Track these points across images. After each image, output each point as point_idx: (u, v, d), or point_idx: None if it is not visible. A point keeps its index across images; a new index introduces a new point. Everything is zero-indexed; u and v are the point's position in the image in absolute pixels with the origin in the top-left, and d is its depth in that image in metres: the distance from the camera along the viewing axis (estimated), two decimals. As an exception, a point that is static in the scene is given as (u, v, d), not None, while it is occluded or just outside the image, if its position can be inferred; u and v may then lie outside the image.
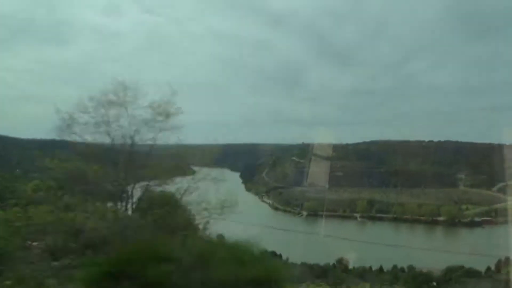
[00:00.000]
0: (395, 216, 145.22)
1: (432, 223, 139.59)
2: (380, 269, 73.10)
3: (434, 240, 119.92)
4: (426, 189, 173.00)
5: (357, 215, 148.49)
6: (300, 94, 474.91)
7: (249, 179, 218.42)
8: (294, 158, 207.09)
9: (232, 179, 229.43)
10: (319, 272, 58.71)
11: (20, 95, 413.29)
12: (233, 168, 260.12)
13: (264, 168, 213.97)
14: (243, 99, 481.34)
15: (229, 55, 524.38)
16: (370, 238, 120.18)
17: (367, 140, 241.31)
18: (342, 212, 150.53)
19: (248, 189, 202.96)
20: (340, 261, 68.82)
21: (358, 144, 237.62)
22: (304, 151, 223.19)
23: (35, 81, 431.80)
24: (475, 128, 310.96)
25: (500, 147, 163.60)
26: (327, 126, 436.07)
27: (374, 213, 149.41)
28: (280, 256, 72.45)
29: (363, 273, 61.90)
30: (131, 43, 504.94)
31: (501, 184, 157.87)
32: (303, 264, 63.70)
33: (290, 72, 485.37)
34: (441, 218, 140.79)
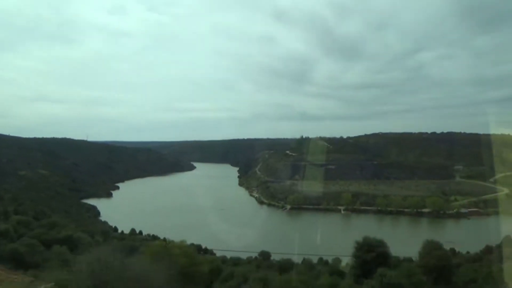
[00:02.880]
0: (379, 208, 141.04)
1: (416, 214, 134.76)
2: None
3: (410, 231, 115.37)
4: (419, 181, 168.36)
5: (341, 208, 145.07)
6: (306, 89, 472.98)
7: (244, 174, 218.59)
8: (287, 152, 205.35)
9: (230, 175, 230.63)
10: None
11: (30, 94, 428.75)
12: (235, 163, 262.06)
13: (259, 162, 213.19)
14: (250, 95, 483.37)
15: (235, 51, 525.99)
16: (343, 230, 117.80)
17: (369, 133, 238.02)
18: (326, 205, 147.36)
19: (241, 183, 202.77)
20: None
21: (358, 137, 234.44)
22: (301, 145, 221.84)
23: (44, 81, 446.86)
24: (481, 120, 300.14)
25: (502, 138, 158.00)
26: (333, 120, 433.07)
27: (359, 205, 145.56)
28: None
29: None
30: (137, 42, 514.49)
31: (499, 175, 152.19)
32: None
33: (296, 67, 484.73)
34: (426, 210, 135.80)
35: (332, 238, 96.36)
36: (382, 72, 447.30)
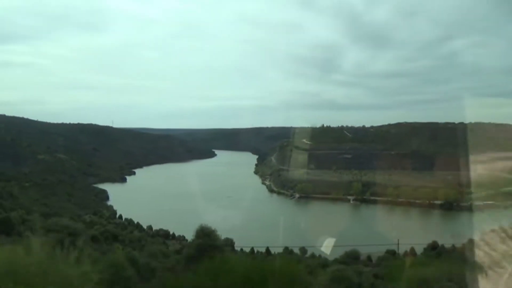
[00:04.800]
0: (389, 199, 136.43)
1: (427, 206, 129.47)
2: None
3: (417, 222, 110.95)
4: (438, 172, 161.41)
5: (350, 197, 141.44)
6: (333, 77, 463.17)
7: (261, 162, 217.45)
8: (304, 140, 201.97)
9: (248, 162, 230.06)
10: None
11: (61, 82, 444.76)
12: (256, 151, 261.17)
13: (276, 151, 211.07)
14: (276, 83, 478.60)
15: (261, 39, 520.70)
16: (348, 220, 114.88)
17: (393, 122, 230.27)
18: (335, 194, 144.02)
19: (256, 171, 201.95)
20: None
21: (380, 126, 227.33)
22: (321, 133, 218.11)
23: (75, 68, 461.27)
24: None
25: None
26: (359, 110, 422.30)
27: (369, 195, 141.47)
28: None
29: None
30: (164, 29, 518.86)
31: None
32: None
33: (323, 55, 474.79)
34: (438, 202, 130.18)
35: (325, 228, 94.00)
36: (412, 60, 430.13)
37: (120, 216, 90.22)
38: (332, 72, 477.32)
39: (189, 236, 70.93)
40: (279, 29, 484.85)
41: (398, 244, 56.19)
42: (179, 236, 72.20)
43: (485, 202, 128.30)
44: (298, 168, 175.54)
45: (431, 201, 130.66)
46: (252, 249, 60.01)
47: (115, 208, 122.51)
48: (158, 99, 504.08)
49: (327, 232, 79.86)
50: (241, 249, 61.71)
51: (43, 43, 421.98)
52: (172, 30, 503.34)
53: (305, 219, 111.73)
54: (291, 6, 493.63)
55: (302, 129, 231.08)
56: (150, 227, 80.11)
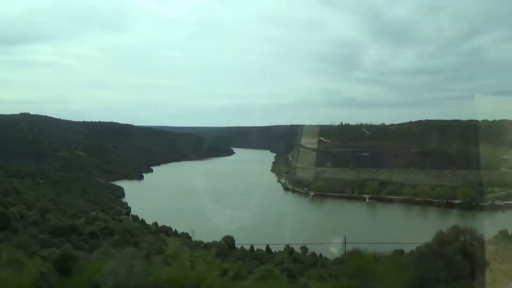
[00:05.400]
0: (406, 198, 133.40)
1: (445, 205, 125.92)
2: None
3: (431, 222, 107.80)
4: (458, 170, 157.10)
5: (366, 196, 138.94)
6: (354, 75, 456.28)
7: (278, 160, 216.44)
8: (321, 138, 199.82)
9: (266, 160, 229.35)
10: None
11: (84, 81, 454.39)
12: (274, 149, 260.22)
13: (293, 148, 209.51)
14: (296, 81, 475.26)
15: (281, 36, 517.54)
16: (360, 219, 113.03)
17: (414, 120, 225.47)
18: (350, 193, 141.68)
19: (273, 169, 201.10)
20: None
21: (401, 124, 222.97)
22: (339, 131, 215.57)
23: (98, 68, 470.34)
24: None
25: None
26: (380, 107, 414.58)
27: (385, 194, 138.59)
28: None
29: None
30: (185, 28, 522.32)
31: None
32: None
33: (344, 52, 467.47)
34: (457, 201, 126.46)
35: (335, 226, 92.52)
36: (435, 57, 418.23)
37: (128, 213, 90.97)
38: (353, 70, 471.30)
39: (194, 233, 70.40)
40: (299, 27, 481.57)
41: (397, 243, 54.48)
42: (182, 233, 72.11)
43: (505, 202, 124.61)
44: (314, 166, 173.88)
45: (449, 200, 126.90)
46: (252, 247, 59.50)
47: (129, 205, 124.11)
48: (178, 98, 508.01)
49: (337, 231, 78.94)
50: (241, 247, 61.35)
51: (67, 43, 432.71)
52: (192, 28, 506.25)
53: (316, 217, 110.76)
54: (311, 3, 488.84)
55: (320, 127, 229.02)
56: (155, 224, 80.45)
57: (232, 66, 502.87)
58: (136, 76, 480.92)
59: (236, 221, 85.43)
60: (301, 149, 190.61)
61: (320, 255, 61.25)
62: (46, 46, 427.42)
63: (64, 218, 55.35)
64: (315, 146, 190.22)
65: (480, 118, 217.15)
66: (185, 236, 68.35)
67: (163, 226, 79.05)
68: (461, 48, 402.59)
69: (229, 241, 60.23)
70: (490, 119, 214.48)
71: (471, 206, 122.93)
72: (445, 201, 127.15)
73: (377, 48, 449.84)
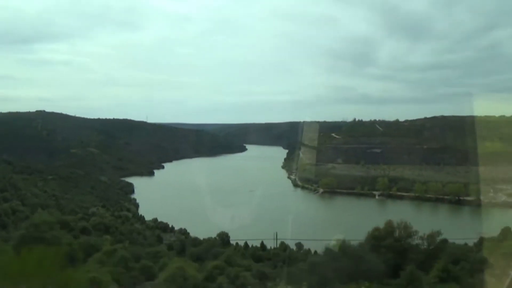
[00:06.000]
0: (417, 194, 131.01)
1: (456, 202, 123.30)
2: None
3: (439, 219, 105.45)
4: (471, 167, 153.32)
5: (376, 193, 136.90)
6: (369, 71, 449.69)
7: (290, 156, 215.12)
8: (333, 134, 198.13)
9: (278, 157, 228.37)
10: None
11: (100, 78, 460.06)
12: (286, 146, 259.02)
13: (303, 145, 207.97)
14: (310, 77, 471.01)
15: (295, 33, 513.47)
16: (367, 216, 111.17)
17: (429, 116, 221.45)
18: (360, 189, 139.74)
19: (284, 166, 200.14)
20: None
21: (415, 120, 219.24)
22: (351, 127, 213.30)
23: (112, 66, 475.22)
24: None
25: None
26: (395, 103, 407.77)
27: (395, 191, 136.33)
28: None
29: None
30: (198, 26, 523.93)
31: None
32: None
33: (358, 48, 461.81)
34: (468, 198, 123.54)
35: (339, 223, 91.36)
36: (451, 52, 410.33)
37: (128, 209, 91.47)
38: (367, 66, 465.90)
39: (193, 229, 70.47)
40: (313, 23, 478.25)
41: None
42: (180, 229, 72.08)
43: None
44: (324, 163, 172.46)
45: (461, 197, 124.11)
46: (246, 243, 58.90)
47: (137, 201, 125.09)
48: (192, 95, 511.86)
49: (338, 228, 78.03)
50: (236, 243, 60.87)
51: (82, 41, 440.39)
52: (206, 26, 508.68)
53: (320, 214, 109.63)
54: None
55: (332, 123, 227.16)
56: (155, 220, 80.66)
57: (246, 63, 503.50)
58: (150, 73, 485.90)
59: (239, 218, 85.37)
60: (311, 145, 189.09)
61: (315, 252, 60.30)
62: (62, 44, 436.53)
63: (57, 213, 55.82)
64: (326, 143, 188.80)
65: (497, 114, 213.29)
66: (183, 233, 68.29)
67: (161, 222, 79.14)
68: (478, 43, 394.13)
69: (223, 237, 59.84)
70: (508, 115, 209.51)
71: (481, 203, 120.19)
72: (456, 198, 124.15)
73: (392, 44, 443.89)
